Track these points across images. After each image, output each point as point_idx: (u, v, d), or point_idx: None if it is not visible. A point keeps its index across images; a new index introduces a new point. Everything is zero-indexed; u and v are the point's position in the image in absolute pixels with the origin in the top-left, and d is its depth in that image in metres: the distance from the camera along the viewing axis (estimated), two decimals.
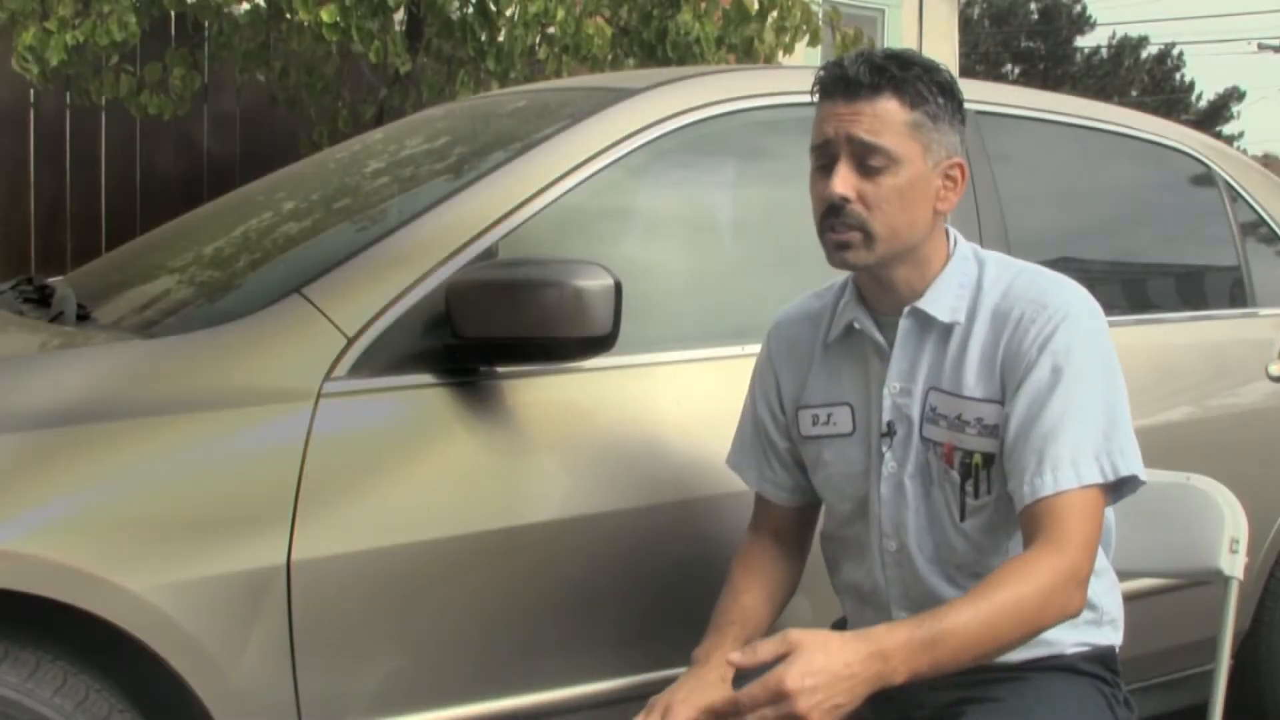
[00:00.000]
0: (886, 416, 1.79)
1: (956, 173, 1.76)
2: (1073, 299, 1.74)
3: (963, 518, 1.76)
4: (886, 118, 1.70)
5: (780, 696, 1.48)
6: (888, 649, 1.54)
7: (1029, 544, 1.66)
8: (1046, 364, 1.69)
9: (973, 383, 1.74)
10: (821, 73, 1.76)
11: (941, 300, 1.77)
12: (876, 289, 1.81)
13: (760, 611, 1.89)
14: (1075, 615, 1.66)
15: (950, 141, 1.75)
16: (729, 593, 1.90)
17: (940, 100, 1.73)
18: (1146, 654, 2.62)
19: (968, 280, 1.78)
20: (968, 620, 1.57)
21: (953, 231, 1.83)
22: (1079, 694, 1.76)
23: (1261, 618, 2.94)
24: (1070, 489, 1.64)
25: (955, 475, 1.75)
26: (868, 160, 1.70)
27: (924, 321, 1.78)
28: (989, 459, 1.73)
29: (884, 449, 1.79)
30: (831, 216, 1.72)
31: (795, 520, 1.97)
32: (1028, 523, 1.67)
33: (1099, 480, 1.66)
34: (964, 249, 1.82)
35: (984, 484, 1.74)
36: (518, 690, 1.99)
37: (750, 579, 1.91)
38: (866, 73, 1.70)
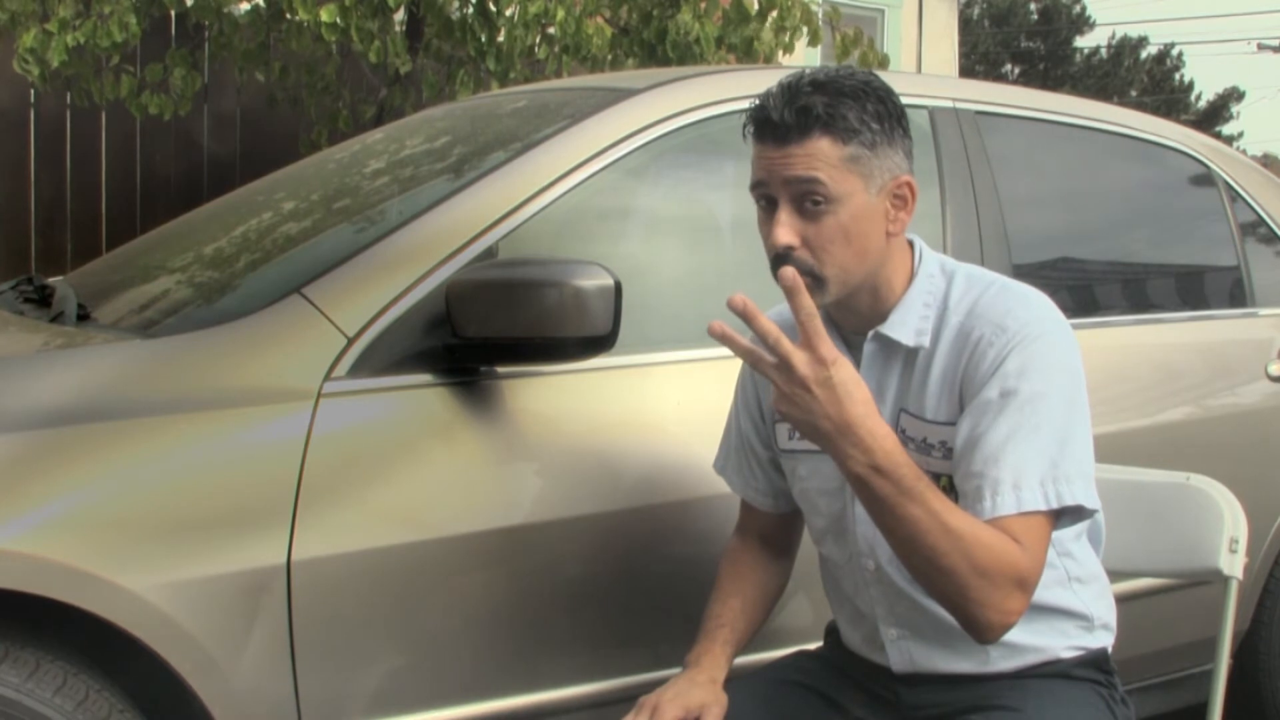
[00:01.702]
0: None
1: (905, 191, 1.70)
2: (1036, 320, 1.67)
3: None
4: (819, 157, 1.63)
5: (787, 365, 1.54)
6: (877, 448, 1.55)
7: None
8: (995, 387, 1.63)
9: (934, 406, 1.70)
10: (751, 113, 1.69)
11: (906, 323, 1.72)
12: (843, 311, 1.76)
13: (750, 613, 1.89)
14: (986, 630, 1.60)
15: (893, 163, 1.68)
16: (718, 596, 1.90)
17: (875, 126, 1.65)
18: (1146, 654, 2.62)
19: (933, 299, 1.73)
20: (943, 511, 1.55)
21: (918, 245, 1.77)
22: (1080, 699, 1.75)
23: (1261, 617, 2.94)
24: (1008, 514, 1.59)
25: None
26: (806, 202, 1.64)
27: (888, 345, 1.74)
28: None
29: None
30: (779, 265, 1.65)
31: (779, 525, 1.96)
32: None
33: (1041, 507, 1.60)
34: (930, 265, 1.75)
35: None
36: (518, 690, 1.99)
37: (738, 583, 1.91)
38: (792, 115, 1.63)
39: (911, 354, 1.73)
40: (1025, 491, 1.60)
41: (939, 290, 1.74)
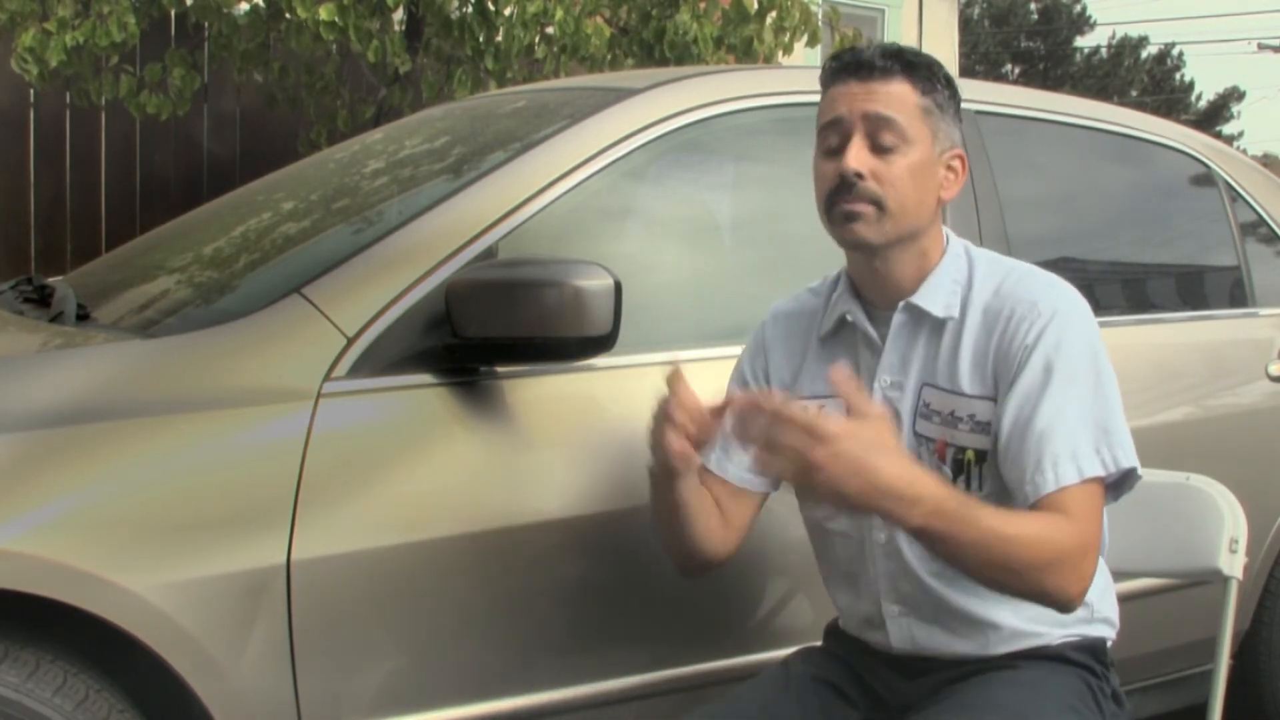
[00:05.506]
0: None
1: (957, 164, 1.80)
2: (1063, 298, 1.75)
3: None
4: (900, 97, 1.74)
5: (820, 437, 1.48)
6: (925, 494, 1.53)
7: None
8: (1038, 363, 1.69)
9: (966, 379, 1.75)
10: (835, 56, 1.79)
11: (936, 295, 1.78)
12: (871, 280, 1.81)
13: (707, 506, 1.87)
14: (1071, 601, 1.65)
15: (953, 133, 1.80)
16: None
17: (946, 92, 1.78)
18: (1147, 654, 2.62)
19: (960, 276, 1.80)
20: (996, 524, 1.59)
21: (944, 227, 1.85)
22: (1061, 681, 1.76)
23: (1261, 618, 2.94)
24: (1072, 483, 1.65)
25: (948, 471, 1.75)
26: (881, 138, 1.73)
27: (918, 316, 1.79)
28: (981, 455, 1.73)
29: None
30: (842, 193, 1.73)
31: (736, 500, 1.91)
32: None
33: (1100, 472, 1.67)
34: (956, 246, 1.83)
35: (976, 480, 1.74)
36: (517, 690, 1.99)
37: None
38: (879, 56, 1.75)
39: (939, 326, 1.78)
40: (1084, 460, 1.66)
41: (964, 270, 1.81)
